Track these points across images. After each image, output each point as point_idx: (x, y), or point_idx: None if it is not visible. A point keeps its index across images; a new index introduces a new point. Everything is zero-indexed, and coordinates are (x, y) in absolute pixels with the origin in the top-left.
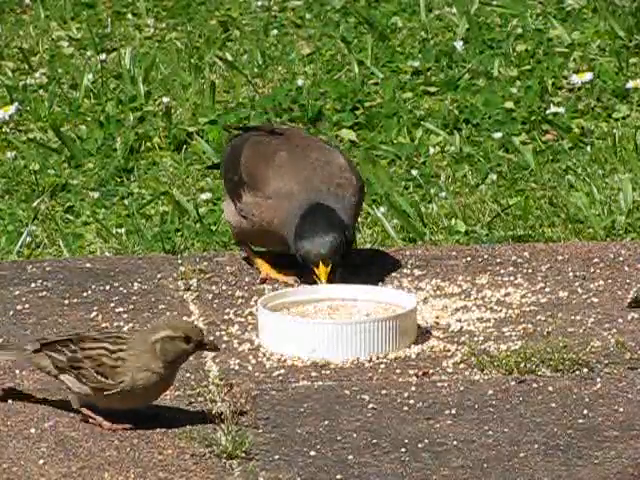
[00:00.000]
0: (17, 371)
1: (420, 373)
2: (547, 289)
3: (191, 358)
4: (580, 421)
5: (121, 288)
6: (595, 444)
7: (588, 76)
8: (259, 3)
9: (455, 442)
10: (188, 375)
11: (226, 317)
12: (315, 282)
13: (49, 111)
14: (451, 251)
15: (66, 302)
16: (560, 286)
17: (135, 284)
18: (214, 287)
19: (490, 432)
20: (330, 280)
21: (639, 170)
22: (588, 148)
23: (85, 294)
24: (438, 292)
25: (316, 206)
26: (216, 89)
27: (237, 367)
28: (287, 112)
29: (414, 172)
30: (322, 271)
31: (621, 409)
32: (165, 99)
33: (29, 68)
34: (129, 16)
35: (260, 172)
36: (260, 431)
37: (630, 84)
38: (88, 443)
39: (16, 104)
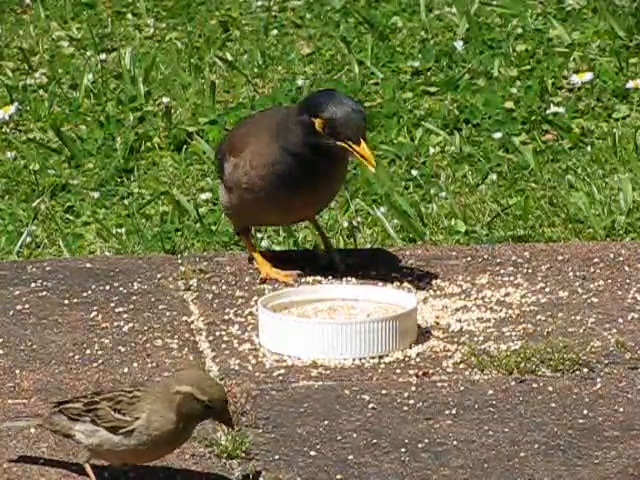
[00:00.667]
0: (17, 371)
1: (420, 373)
2: (547, 289)
3: (190, 358)
4: (580, 421)
5: (121, 288)
6: (595, 444)
7: (588, 76)
8: (259, 3)
9: (455, 442)
10: None
11: (226, 317)
12: (316, 282)
13: (49, 111)
14: (451, 251)
15: (66, 302)
16: (560, 286)
17: (135, 284)
18: (214, 287)
19: (490, 432)
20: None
21: (639, 170)
22: (588, 148)
23: (85, 294)
24: (438, 292)
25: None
26: (216, 89)
27: (237, 367)
28: None
29: (414, 172)
30: (367, 149)
31: (621, 409)
32: (165, 99)
33: (29, 68)
34: (129, 16)
35: (235, 136)
36: (260, 431)
37: (630, 84)
38: None
39: (16, 104)
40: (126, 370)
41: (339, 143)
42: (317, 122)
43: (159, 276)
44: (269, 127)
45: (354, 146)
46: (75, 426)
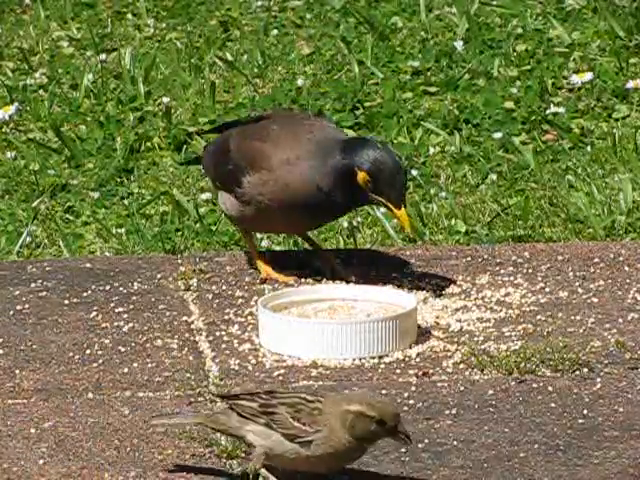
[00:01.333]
0: (17, 371)
1: (420, 373)
2: (547, 289)
3: (190, 358)
4: (580, 421)
5: (121, 288)
6: (595, 444)
7: (588, 76)
8: (259, 3)
9: (455, 442)
10: (188, 375)
11: (226, 317)
12: (316, 282)
13: (49, 111)
14: (451, 251)
15: (66, 302)
16: (560, 286)
17: (135, 284)
18: (214, 287)
19: (490, 432)
20: None
21: (639, 170)
22: (588, 148)
23: (85, 294)
24: (438, 292)
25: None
26: (216, 89)
27: (237, 367)
28: None
29: (414, 172)
30: (405, 214)
31: (621, 409)
32: (165, 99)
33: (29, 68)
34: (129, 16)
35: (258, 150)
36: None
37: (630, 84)
38: (88, 443)
39: (16, 104)
40: (126, 370)
41: (379, 199)
42: (361, 175)
43: (159, 276)
44: (305, 150)
45: (394, 209)
46: (246, 426)
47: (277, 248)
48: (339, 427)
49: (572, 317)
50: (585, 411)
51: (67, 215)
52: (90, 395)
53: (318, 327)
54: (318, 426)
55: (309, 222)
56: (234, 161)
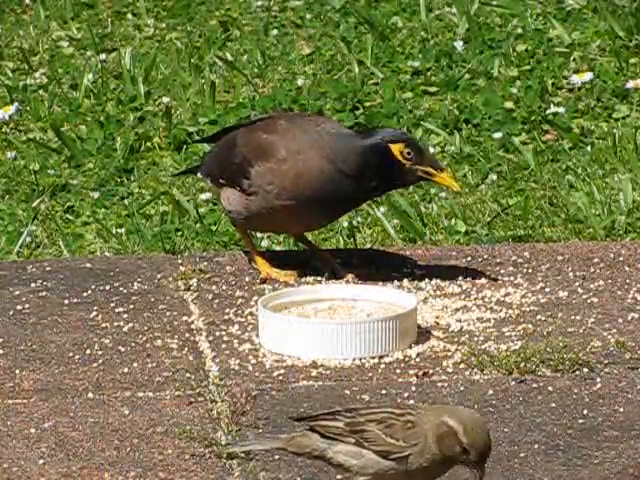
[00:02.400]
0: (17, 371)
1: (420, 373)
2: (547, 289)
3: (190, 358)
4: (580, 421)
5: (121, 288)
6: (595, 444)
7: (588, 76)
8: (259, 3)
9: None
10: (188, 375)
11: (226, 317)
12: (316, 282)
13: (49, 111)
14: (451, 251)
15: (66, 302)
16: (560, 286)
17: (135, 284)
18: (214, 287)
19: (490, 432)
20: None
21: (639, 170)
22: (588, 148)
23: (85, 294)
24: (438, 292)
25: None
26: (216, 89)
27: (237, 367)
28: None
29: None
30: (448, 175)
31: (621, 409)
32: (165, 99)
33: (29, 68)
34: (129, 16)
35: (266, 141)
36: (260, 431)
37: (630, 84)
38: (88, 443)
39: (16, 104)
40: (126, 370)
41: (420, 168)
42: (396, 147)
43: (159, 276)
44: (316, 144)
45: (438, 173)
46: (334, 447)
47: (277, 248)
48: (431, 435)
49: (572, 317)
50: (585, 411)
51: (67, 215)
52: (90, 395)
53: (318, 327)
54: (413, 440)
55: (319, 215)
56: (242, 154)
